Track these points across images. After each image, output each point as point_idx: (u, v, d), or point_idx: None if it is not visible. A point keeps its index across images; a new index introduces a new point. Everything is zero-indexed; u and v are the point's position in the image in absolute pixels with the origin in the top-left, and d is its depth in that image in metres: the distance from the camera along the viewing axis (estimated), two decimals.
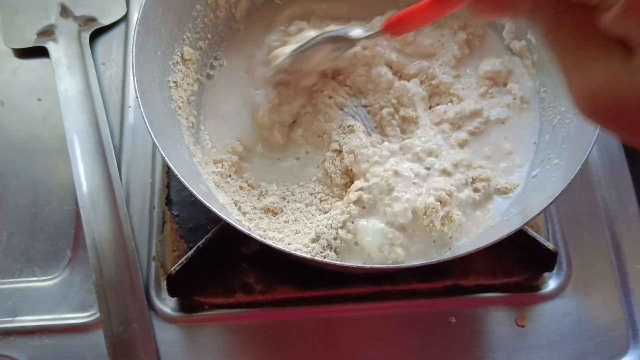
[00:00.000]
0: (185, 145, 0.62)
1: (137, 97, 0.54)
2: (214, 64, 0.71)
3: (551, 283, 0.67)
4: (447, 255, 0.56)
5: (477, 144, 0.66)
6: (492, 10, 0.37)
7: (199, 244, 0.64)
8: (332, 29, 0.63)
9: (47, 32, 0.80)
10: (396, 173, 0.59)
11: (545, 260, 0.64)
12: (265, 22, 0.72)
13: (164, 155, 0.51)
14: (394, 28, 0.54)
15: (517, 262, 0.67)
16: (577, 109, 0.30)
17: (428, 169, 0.61)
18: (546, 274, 0.67)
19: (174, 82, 0.63)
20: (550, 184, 0.58)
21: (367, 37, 0.61)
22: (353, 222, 0.58)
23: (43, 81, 0.79)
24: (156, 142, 0.52)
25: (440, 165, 0.61)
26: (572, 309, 0.66)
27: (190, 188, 0.51)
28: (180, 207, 0.70)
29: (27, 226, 0.71)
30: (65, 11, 0.81)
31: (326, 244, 0.56)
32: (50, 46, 0.79)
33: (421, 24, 0.54)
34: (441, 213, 0.58)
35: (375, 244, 0.57)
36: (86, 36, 0.80)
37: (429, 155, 0.62)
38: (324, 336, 0.66)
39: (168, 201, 0.71)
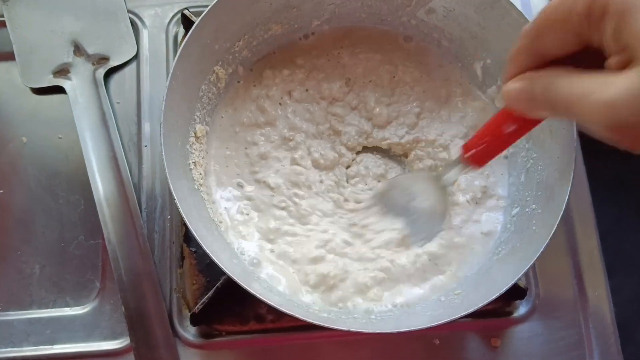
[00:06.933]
0: (211, 219, 0.70)
1: (175, 200, 0.61)
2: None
3: (521, 309, 0.77)
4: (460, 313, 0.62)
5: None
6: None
7: (218, 284, 0.72)
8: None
9: (63, 71, 0.86)
10: None
11: (517, 293, 0.75)
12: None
13: (210, 254, 0.60)
14: (474, 162, 0.63)
15: None
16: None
17: None
18: (517, 301, 0.77)
19: (193, 162, 0.71)
20: (531, 233, 0.68)
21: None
22: None
23: (62, 118, 0.84)
24: (204, 246, 0.60)
25: None
26: (539, 331, 0.77)
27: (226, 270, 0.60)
28: (198, 244, 0.78)
29: (57, 259, 0.79)
30: (78, 50, 0.87)
31: None
32: (67, 85, 0.85)
33: (502, 149, 0.62)
34: None
35: None
36: (101, 75, 0.85)
37: None
38: (325, 357, 0.76)
39: (186, 238, 0.79)
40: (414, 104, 0.80)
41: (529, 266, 0.62)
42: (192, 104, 0.72)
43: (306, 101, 0.79)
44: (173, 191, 0.61)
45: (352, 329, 0.60)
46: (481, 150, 0.60)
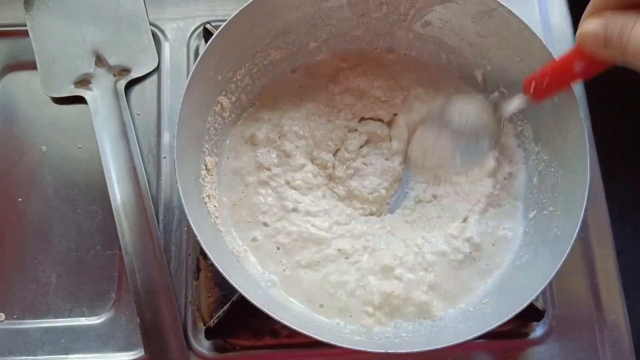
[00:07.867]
0: (230, 251, 0.71)
1: (197, 237, 0.62)
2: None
3: (538, 330, 0.77)
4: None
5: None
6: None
7: (234, 298, 0.72)
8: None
9: (84, 82, 0.86)
10: None
11: (534, 314, 0.74)
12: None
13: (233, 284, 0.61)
14: (535, 95, 0.65)
15: None
16: None
17: None
18: (534, 323, 0.77)
19: (207, 195, 0.72)
20: (553, 236, 0.68)
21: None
22: None
23: (82, 128, 0.85)
24: (229, 280, 0.61)
25: None
26: (555, 353, 0.76)
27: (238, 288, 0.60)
28: None
29: (73, 269, 0.79)
30: (100, 60, 0.87)
31: None
32: (88, 96, 0.85)
33: (564, 85, 0.64)
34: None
35: None
36: (122, 86, 0.86)
37: None
38: None
39: (202, 250, 0.79)
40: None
41: (558, 267, 0.62)
42: (201, 137, 0.73)
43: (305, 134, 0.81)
44: (193, 227, 0.62)
45: (389, 351, 0.60)
46: (545, 84, 0.63)
